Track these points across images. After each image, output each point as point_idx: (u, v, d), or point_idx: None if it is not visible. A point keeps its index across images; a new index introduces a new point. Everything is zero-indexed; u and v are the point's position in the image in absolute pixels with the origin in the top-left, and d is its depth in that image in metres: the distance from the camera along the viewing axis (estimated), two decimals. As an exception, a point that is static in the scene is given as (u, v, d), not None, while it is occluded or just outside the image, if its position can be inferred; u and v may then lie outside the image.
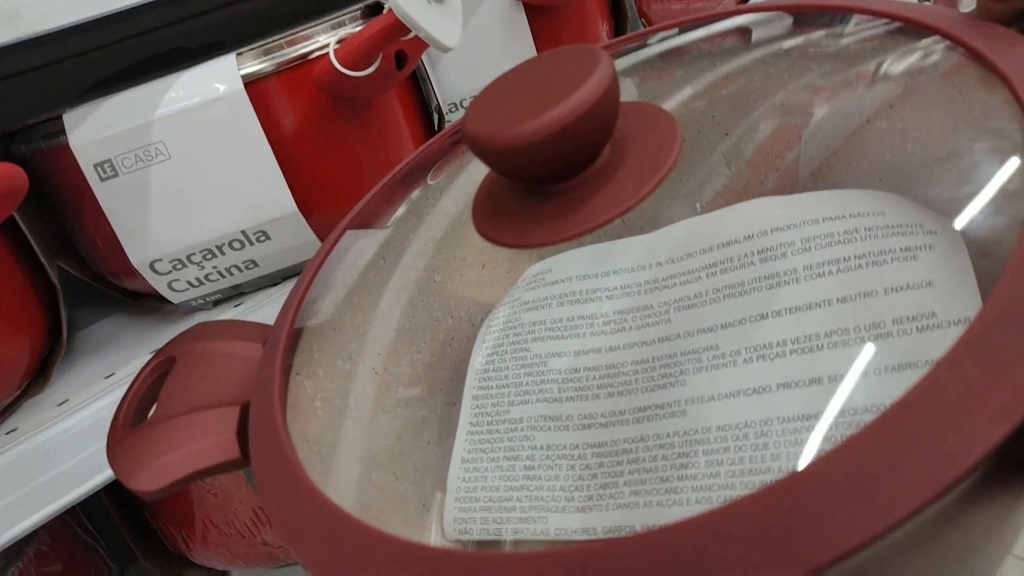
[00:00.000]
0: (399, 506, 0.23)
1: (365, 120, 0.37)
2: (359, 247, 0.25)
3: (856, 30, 0.24)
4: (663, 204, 0.27)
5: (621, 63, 0.28)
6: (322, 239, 0.36)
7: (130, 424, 0.22)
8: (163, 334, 0.36)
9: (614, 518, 0.21)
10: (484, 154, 0.16)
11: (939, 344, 0.18)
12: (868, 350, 0.19)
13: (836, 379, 0.19)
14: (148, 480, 0.20)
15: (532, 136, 0.15)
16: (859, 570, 0.12)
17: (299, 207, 0.34)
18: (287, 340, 0.20)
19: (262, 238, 0.35)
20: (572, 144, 0.16)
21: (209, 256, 0.35)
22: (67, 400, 0.32)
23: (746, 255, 0.23)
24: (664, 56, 0.28)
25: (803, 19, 0.26)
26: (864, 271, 0.20)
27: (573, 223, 0.16)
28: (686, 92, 0.26)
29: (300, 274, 0.23)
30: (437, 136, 0.26)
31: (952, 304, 0.19)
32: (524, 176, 0.17)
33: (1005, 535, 0.16)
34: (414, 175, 0.25)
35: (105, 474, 0.31)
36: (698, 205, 0.27)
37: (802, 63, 0.26)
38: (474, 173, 0.24)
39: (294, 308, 0.22)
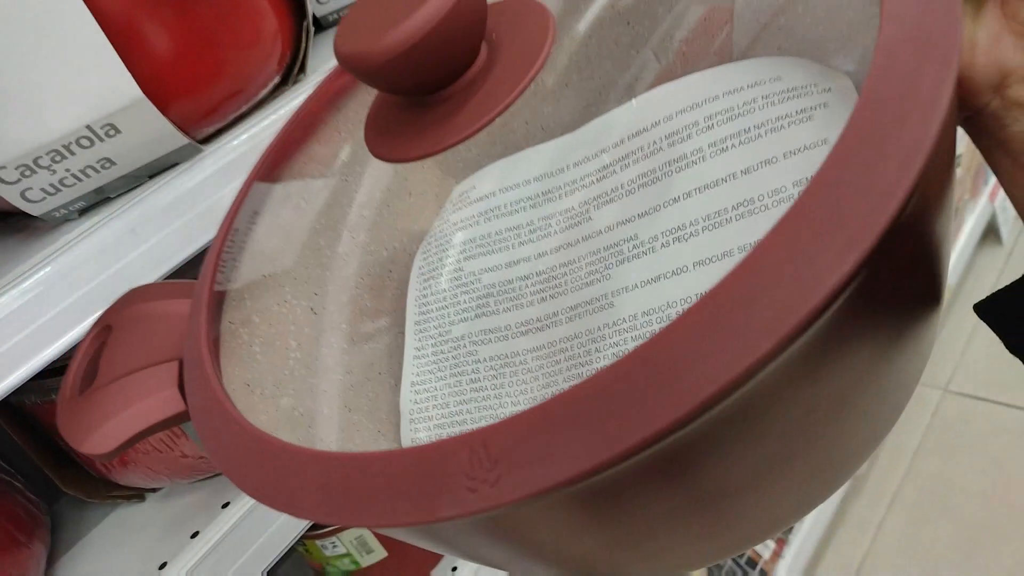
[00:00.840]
0: (354, 435, 0.23)
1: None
2: (276, 193, 0.25)
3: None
4: (599, 105, 0.27)
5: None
6: (184, 130, 0.34)
7: (77, 394, 0.22)
8: (32, 250, 0.33)
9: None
10: (356, 71, 0.16)
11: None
12: (772, 215, 0.20)
13: (746, 249, 0.20)
14: (100, 443, 0.21)
15: (396, 47, 0.15)
16: (743, 408, 0.12)
17: (147, 93, 0.31)
18: (210, 291, 0.21)
19: (111, 132, 0.32)
20: (440, 50, 0.16)
21: (58, 158, 0.31)
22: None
23: (655, 142, 0.23)
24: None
25: None
26: (764, 139, 0.21)
27: (454, 129, 0.16)
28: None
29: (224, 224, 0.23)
30: (333, 72, 0.25)
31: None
32: (400, 89, 0.17)
33: (889, 373, 0.16)
34: (316, 115, 0.25)
35: (12, 378, 0.31)
36: (634, 102, 0.27)
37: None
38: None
39: (214, 259, 0.22)
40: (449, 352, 0.24)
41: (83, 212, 0.35)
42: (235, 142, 0.36)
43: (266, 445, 0.16)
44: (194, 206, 0.35)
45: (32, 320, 0.31)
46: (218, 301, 0.22)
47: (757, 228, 0.20)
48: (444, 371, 0.24)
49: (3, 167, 0.31)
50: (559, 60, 0.27)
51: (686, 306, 0.20)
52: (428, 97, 0.17)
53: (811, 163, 0.20)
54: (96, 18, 0.29)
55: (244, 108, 0.37)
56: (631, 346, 0.21)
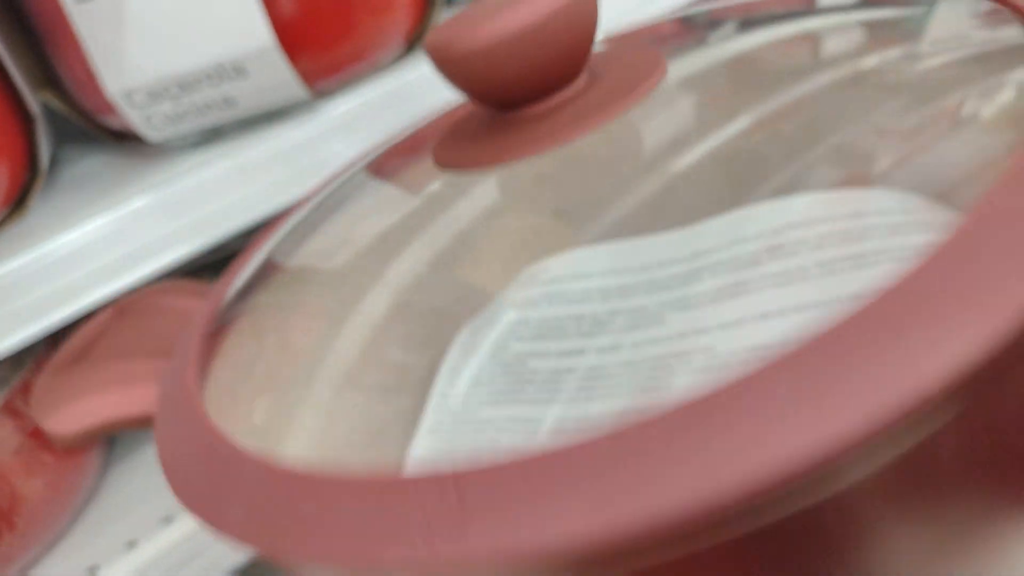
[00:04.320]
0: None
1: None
2: (348, 210, 0.23)
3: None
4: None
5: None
6: (307, 82, 0.35)
7: (63, 368, 0.20)
8: (143, 174, 0.35)
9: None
10: (443, 63, 0.15)
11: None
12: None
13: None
14: (62, 422, 0.18)
15: (493, 37, 0.14)
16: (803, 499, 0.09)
17: (279, 41, 0.32)
18: (220, 298, 0.19)
19: (238, 73, 0.33)
20: (541, 52, 0.14)
21: (185, 90, 0.33)
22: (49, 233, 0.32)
23: (756, 252, 0.20)
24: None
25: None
26: (884, 266, 0.18)
27: (531, 144, 0.14)
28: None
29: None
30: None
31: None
32: (489, 92, 0.15)
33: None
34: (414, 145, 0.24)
35: (89, 299, 0.30)
36: (739, 213, 0.24)
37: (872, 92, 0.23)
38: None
39: (246, 259, 0.20)
40: (469, 435, 0.21)
41: (196, 146, 0.37)
42: (350, 104, 0.37)
43: (213, 442, 0.13)
44: (301, 158, 0.36)
45: (129, 241, 0.32)
46: (231, 306, 0.20)
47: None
48: (457, 454, 0.21)
49: (134, 91, 0.32)
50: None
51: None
52: (515, 112, 0.15)
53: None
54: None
55: (366, 71, 0.39)
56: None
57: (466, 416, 0.22)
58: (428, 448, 0.22)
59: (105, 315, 0.22)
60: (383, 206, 0.23)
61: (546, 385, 0.21)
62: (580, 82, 0.15)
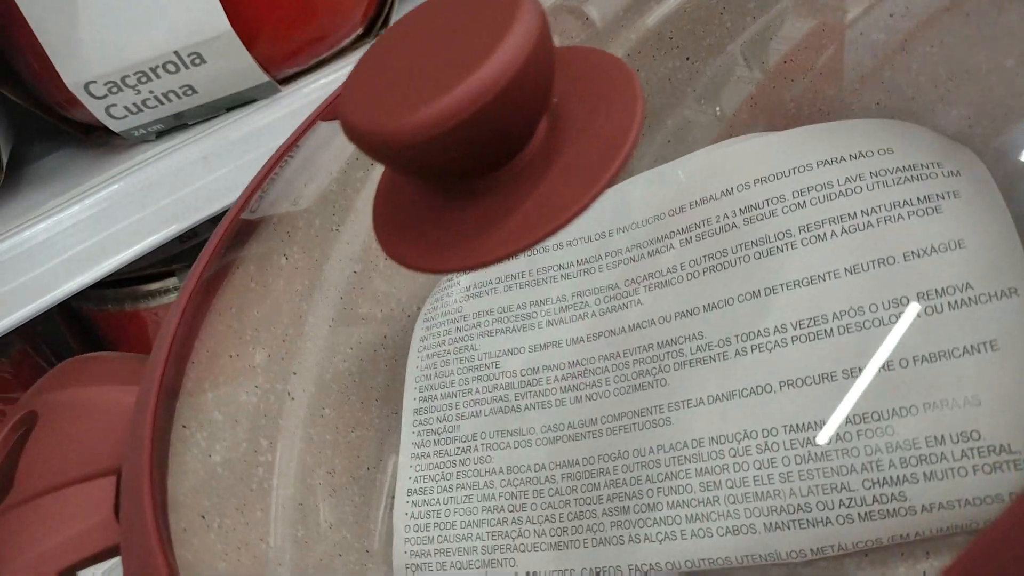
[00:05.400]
0: (335, 559, 0.19)
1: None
2: (255, 244, 0.20)
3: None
4: (672, 111, 0.22)
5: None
6: (265, 68, 0.35)
7: (-13, 507, 0.17)
8: (109, 165, 0.36)
9: (595, 557, 0.17)
10: (371, 151, 0.12)
11: (979, 325, 0.15)
12: (891, 335, 0.15)
13: (853, 374, 0.15)
14: (11, 585, 0.16)
15: (433, 127, 0.11)
16: None
17: (235, 28, 0.33)
18: (161, 381, 0.16)
19: (197, 60, 0.34)
20: (490, 130, 0.11)
21: (144, 79, 0.34)
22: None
23: (726, 215, 0.18)
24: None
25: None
26: (875, 230, 0.16)
27: (504, 236, 0.12)
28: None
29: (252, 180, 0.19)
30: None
31: (990, 269, 0.15)
32: (428, 176, 0.12)
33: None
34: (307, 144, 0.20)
35: (60, 290, 0.33)
36: (717, 110, 0.22)
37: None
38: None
39: (172, 331, 0.17)
40: (456, 455, 0.20)
41: (160, 135, 0.37)
42: (312, 86, 0.37)
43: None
44: (265, 143, 0.36)
45: (98, 231, 0.33)
46: (171, 393, 0.17)
47: (868, 348, 0.15)
48: (449, 479, 0.20)
49: (93, 81, 0.33)
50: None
51: (768, 440, 0.16)
52: (467, 183, 0.12)
53: (941, 271, 0.15)
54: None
55: (325, 54, 0.39)
56: (695, 481, 0.17)
57: (448, 433, 0.20)
58: (417, 475, 0.20)
59: (14, 422, 0.19)
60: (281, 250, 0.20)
61: (525, 388, 0.20)
62: (540, 133, 0.12)
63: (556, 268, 0.21)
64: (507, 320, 0.21)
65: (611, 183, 0.12)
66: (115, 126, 0.36)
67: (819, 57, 0.20)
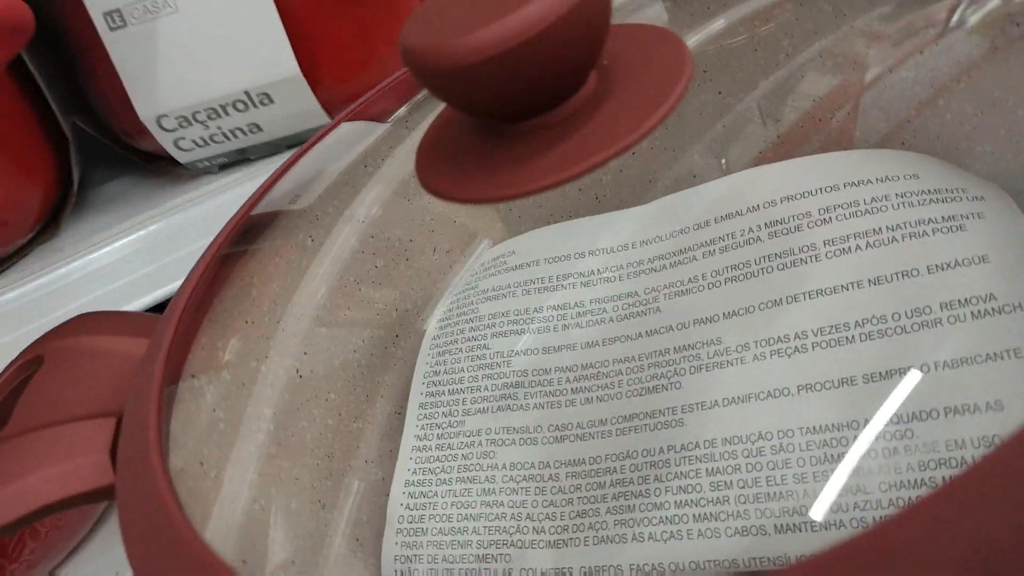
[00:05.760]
0: (322, 540, 0.18)
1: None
2: (283, 221, 0.20)
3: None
4: (667, 181, 0.23)
5: None
6: (328, 111, 0.36)
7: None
8: (171, 195, 0.37)
9: (595, 555, 0.17)
10: (425, 75, 0.12)
11: (1003, 334, 0.15)
12: (913, 342, 0.15)
13: (873, 379, 0.15)
14: (-7, 515, 0.16)
15: (489, 48, 0.11)
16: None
17: (303, 71, 0.34)
18: (175, 332, 0.16)
19: (265, 101, 0.35)
20: (545, 62, 0.12)
21: (214, 115, 0.35)
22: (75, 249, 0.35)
23: (751, 229, 0.19)
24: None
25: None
26: (900, 245, 0.17)
27: (547, 170, 0.12)
28: (715, 24, 0.22)
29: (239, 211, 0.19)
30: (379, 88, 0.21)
31: (1015, 282, 0.15)
32: (480, 108, 0.13)
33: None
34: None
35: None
36: (723, 162, 0.23)
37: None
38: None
39: (190, 289, 0.17)
40: (459, 449, 0.20)
41: (223, 168, 0.39)
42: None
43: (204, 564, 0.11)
44: None
45: (159, 258, 0.34)
46: (183, 346, 0.17)
47: (891, 353, 0.15)
48: (450, 472, 0.19)
49: (165, 115, 0.35)
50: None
51: (784, 441, 0.16)
52: (514, 125, 0.13)
53: (967, 282, 0.15)
54: (274, -1, 0.33)
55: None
56: (705, 481, 0.16)
57: (453, 428, 0.20)
58: (416, 468, 0.20)
59: (18, 365, 0.18)
60: (307, 233, 0.21)
61: (535, 387, 0.20)
62: (590, 83, 0.13)
63: (576, 276, 0.21)
64: (523, 323, 0.21)
65: (654, 130, 0.12)
66: (181, 158, 0.37)
67: (843, 105, 0.21)
